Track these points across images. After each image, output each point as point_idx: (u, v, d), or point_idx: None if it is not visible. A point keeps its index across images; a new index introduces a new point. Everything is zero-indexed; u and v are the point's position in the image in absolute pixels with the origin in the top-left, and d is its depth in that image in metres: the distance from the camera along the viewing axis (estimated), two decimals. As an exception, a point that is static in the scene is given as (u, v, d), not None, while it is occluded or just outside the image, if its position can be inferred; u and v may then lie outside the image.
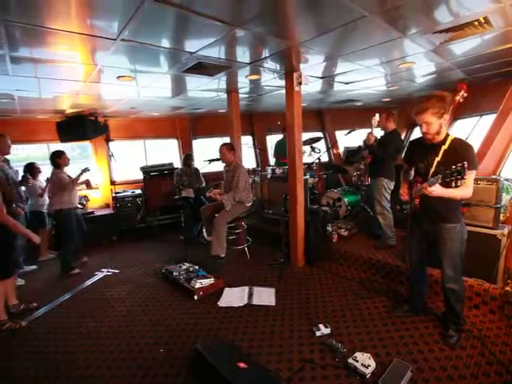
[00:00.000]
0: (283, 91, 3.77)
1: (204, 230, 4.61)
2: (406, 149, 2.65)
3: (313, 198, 5.19)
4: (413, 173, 2.51)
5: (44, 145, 5.80)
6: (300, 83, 3.56)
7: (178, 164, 6.43)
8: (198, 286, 3.29)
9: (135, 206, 5.89)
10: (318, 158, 5.45)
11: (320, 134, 7.52)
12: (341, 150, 7.66)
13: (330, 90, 5.01)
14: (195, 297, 3.23)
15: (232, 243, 4.40)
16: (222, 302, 3.12)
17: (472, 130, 4.86)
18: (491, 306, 2.65)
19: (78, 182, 4.20)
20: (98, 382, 2.16)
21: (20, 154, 5.91)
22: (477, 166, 2.17)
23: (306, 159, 5.31)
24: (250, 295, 3.20)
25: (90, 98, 4.24)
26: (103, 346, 2.56)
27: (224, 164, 4.25)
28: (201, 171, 5.66)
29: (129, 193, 5.99)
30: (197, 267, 3.75)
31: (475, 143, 4.30)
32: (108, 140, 6.11)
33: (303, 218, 3.94)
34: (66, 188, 3.96)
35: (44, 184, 4.45)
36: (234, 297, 3.20)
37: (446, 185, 1.99)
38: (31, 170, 4.41)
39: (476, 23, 2.28)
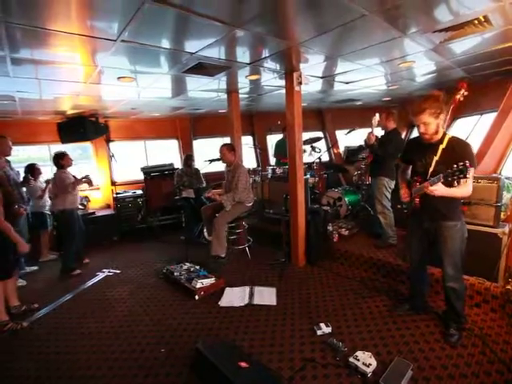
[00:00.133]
0: (283, 91, 3.77)
1: (205, 230, 4.62)
2: (404, 148, 2.65)
3: (313, 197, 5.20)
4: (409, 172, 2.52)
5: (45, 146, 5.82)
6: (300, 83, 3.56)
7: (178, 164, 6.43)
8: (198, 285, 3.29)
9: (136, 206, 5.90)
10: (319, 158, 5.45)
11: (320, 134, 7.53)
12: (341, 149, 7.66)
13: (330, 89, 5.01)
14: (196, 297, 3.23)
15: (233, 243, 4.40)
16: (223, 302, 3.13)
17: (472, 128, 4.86)
18: (492, 304, 2.65)
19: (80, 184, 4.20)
20: (100, 382, 2.17)
21: (21, 155, 5.92)
22: (476, 165, 2.18)
23: (307, 159, 5.32)
24: (251, 295, 3.20)
25: (91, 99, 4.25)
26: (105, 346, 2.57)
27: (225, 164, 4.26)
28: (201, 171, 5.67)
29: (129, 193, 6.00)
30: (198, 267, 3.76)
31: (476, 142, 4.32)
32: (108, 141, 6.13)
33: (304, 218, 3.94)
34: (66, 189, 3.96)
35: (44, 185, 4.47)
36: (234, 296, 3.21)
37: (447, 184, 2.00)
38: (32, 171, 4.42)
39: (476, 22, 2.28)
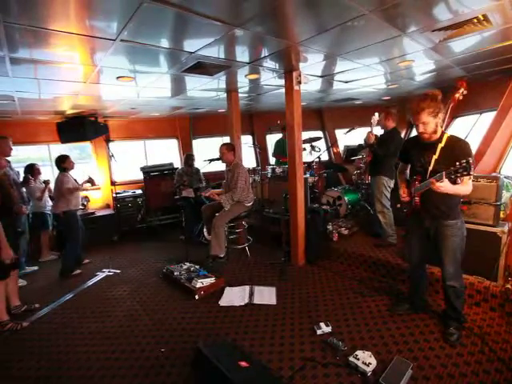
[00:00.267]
0: (283, 90, 3.77)
1: (205, 230, 4.62)
2: (402, 147, 2.65)
3: (313, 196, 5.20)
4: (408, 172, 2.52)
5: (44, 146, 5.81)
6: (299, 82, 3.56)
7: (178, 164, 6.43)
8: (198, 285, 3.29)
9: (136, 206, 5.90)
10: (318, 157, 5.45)
11: (319, 134, 7.52)
12: (341, 148, 7.66)
13: (329, 88, 5.00)
14: (196, 296, 3.24)
15: (233, 242, 4.41)
16: (223, 302, 3.13)
17: (472, 127, 4.86)
18: (492, 303, 2.65)
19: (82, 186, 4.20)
20: (100, 381, 2.17)
21: (21, 155, 5.91)
22: (474, 164, 2.18)
23: (306, 158, 5.32)
24: (251, 294, 3.20)
25: (90, 98, 4.24)
26: (105, 345, 2.57)
27: (225, 164, 4.25)
28: (201, 171, 5.66)
29: (129, 193, 6.00)
30: (197, 267, 3.76)
31: (475, 141, 4.32)
32: (108, 140, 6.11)
33: (303, 217, 3.94)
34: (66, 192, 3.95)
35: (43, 186, 4.46)
36: (234, 296, 3.21)
37: (451, 181, 2.00)
38: (32, 171, 4.42)
39: (475, 21, 2.28)
